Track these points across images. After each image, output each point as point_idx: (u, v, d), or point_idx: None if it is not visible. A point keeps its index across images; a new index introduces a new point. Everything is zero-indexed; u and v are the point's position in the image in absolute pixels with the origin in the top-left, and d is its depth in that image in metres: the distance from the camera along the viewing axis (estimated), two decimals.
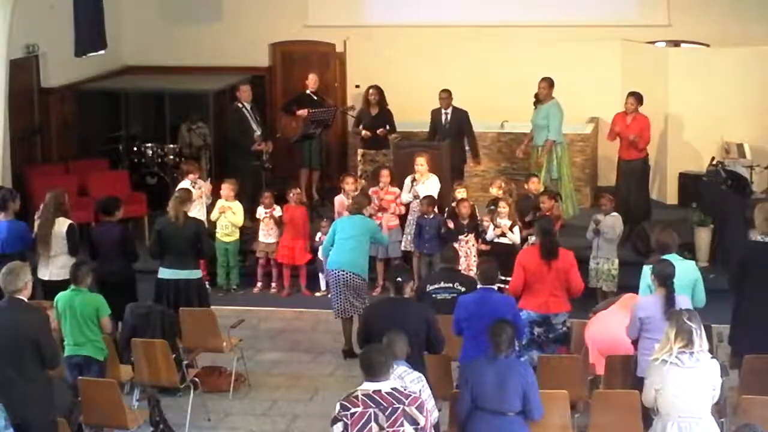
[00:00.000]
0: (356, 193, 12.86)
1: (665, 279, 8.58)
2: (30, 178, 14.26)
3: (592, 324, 9.71)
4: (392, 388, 6.79)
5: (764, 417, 7.81)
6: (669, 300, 8.49)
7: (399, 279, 8.65)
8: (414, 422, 6.71)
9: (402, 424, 6.69)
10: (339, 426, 6.74)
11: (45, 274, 10.98)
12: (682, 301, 8.45)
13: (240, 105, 14.93)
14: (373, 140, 14.73)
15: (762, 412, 8.05)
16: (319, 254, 13.15)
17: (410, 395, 6.82)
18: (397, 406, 6.71)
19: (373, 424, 6.69)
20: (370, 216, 11.97)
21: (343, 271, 11.24)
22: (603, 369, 9.27)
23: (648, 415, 7.82)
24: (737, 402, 8.56)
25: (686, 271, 9.25)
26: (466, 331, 9.02)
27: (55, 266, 10.93)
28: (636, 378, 8.64)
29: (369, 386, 6.78)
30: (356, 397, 6.76)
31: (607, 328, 9.38)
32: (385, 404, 6.72)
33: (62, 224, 10.95)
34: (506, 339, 7.62)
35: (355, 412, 6.72)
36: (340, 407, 6.76)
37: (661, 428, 7.45)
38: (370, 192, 13.03)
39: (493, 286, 9.27)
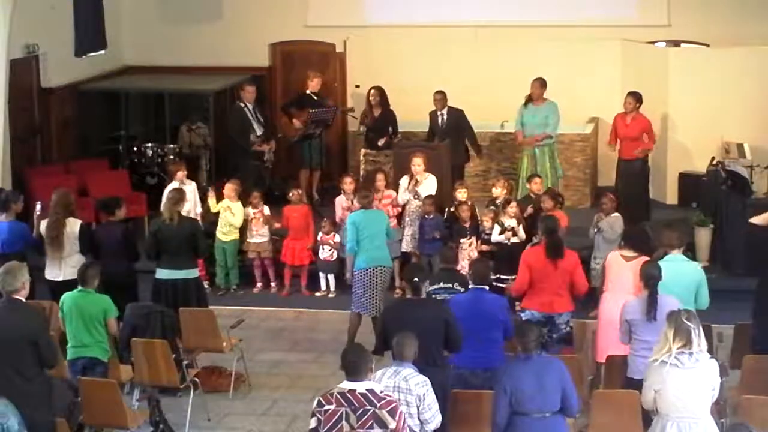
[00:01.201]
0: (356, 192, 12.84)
1: (648, 280, 8.58)
2: (30, 178, 14.25)
3: (606, 301, 9.72)
4: (367, 390, 6.84)
5: (764, 417, 7.81)
6: (651, 301, 8.49)
7: (416, 279, 8.68)
8: (383, 425, 6.76)
9: (372, 426, 6.76)
10: (313, 421, 6.87)
11: (57, 275, 10.94)
12: (669, 302, 8.36)
13: (242, 104, 14.93)
14: (377, 141, 14.72)
15: (762, 412, 8.05)
16: (320, 252, 13.16)
17: (384, 398, 6.85)
18: (368, 408, 6.77)
19: (344, 422, 6.78)
20: None
21: (382, 267, 11.29)
22: (605, 357, 9.31)
23: (648, 415, 7.82)
24: (737, 402, 8.57)
25: (690, 273, 9.25)
26: None
27: (69, 266, 10.87)
28: (626, 379, 8.66)
29: (346, 385, 6.87)
30: (331, 395, 6.86)
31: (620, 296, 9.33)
32: (356, 404, 6.79)
33: (74, 225, 10.95)
34: (534, 338, 7.52)
35: (328, 409, 6.81)
36: (317, 403, 6.88)
37: (660, 428, 7.44)
38: None
39: (485, 286, 9.26)
